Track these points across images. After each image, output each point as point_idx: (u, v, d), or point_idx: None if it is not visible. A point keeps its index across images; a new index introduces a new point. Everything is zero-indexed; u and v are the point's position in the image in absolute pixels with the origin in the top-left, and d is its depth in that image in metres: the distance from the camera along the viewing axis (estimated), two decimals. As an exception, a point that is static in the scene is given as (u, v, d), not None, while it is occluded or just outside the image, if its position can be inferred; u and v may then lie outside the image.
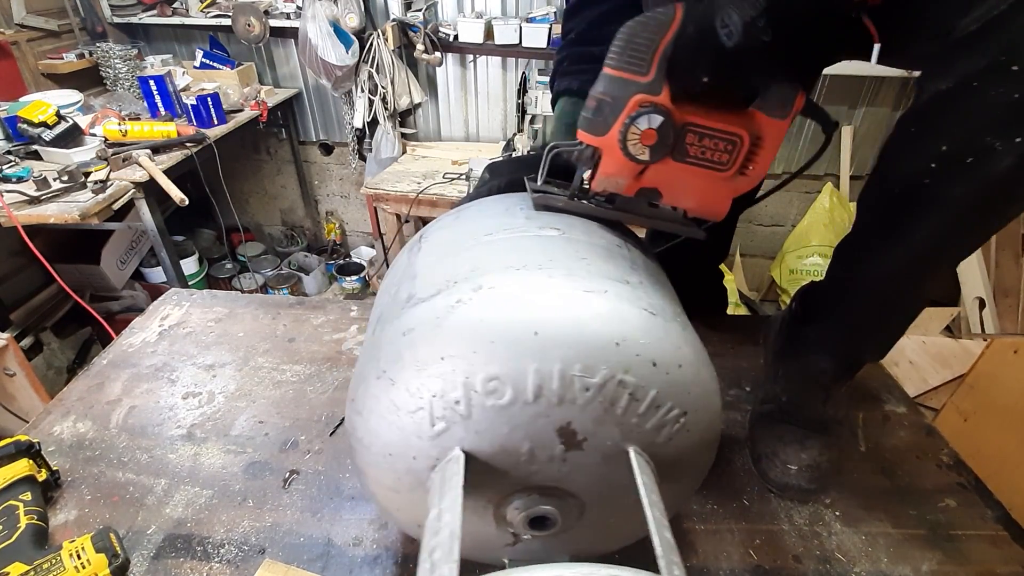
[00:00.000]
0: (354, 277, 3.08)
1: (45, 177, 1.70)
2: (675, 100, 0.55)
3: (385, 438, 0.48)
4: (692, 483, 0.58)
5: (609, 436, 0.46)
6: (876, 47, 0.59)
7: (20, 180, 1.75)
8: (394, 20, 2.51)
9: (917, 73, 0.60)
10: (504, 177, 0.72)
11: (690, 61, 0.53)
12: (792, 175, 0.74)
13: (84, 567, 0.60)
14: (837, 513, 0.74)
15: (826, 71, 2.36)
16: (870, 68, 2.34)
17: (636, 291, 0.50)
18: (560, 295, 0.46)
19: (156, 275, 2.74)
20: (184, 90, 2.43)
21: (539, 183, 0.63)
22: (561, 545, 0.58)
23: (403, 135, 2.84)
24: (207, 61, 2.63)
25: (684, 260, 1.08)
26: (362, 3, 2.48)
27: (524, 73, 2.54)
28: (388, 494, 0.52)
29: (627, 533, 0.60)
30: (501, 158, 0.79)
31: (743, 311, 2.58)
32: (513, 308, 0.45)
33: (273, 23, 2.60)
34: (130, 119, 2.11)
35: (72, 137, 1.95)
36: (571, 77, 0.81)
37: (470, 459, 0.46)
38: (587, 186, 0.62)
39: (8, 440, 0.71)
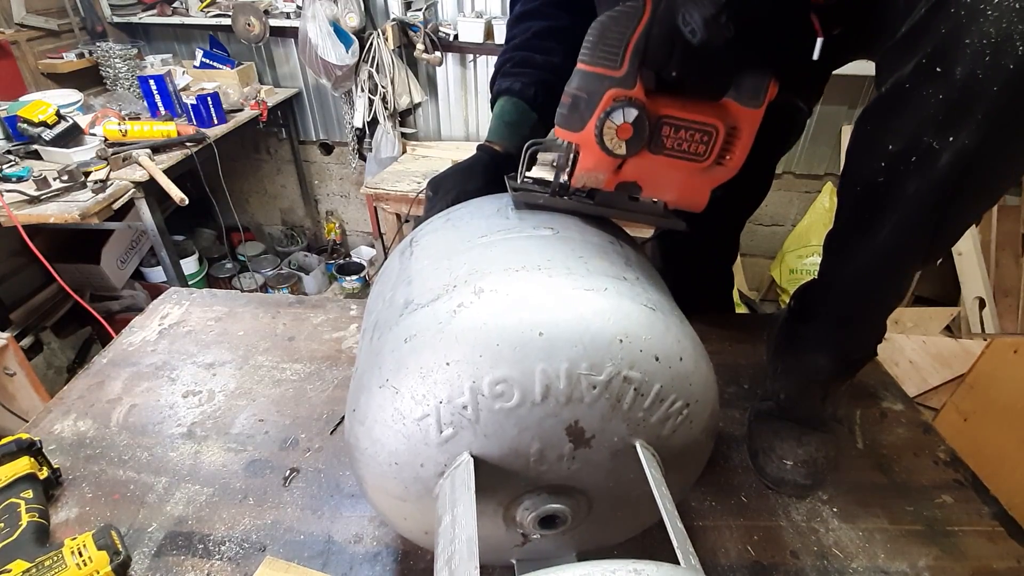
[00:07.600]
0: (354, 277, 3.08)
1: (45, 177, 1.70)
2: (649, 93, 0.55)
3: (391, 447, 0.47)
4: (695, 471, 0.58)
5: (616, 432, 0.47)
6: (819, 41, 0.62)
7: (20, 180, 1.75)
8: (394, 20, 2.51)
9: None
10: (451, 193, 0.73)
11: (659, 56, 0.54)
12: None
13: (86, 564, 0.61)
14: (834, 509, 0.75)
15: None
16: (870, 68, 2.34)
17: (634, 287, 0.50)
18: (562, 295, 0.46)
19: (156, 275, 2.74)
20: (184, 90, 2.44)
21: (519, 181, 0.64)
22: (569, 542, 0.58)
23: (403, 135, 2.84)
24: (207, 61, 2.64)
25: (696, 260, 1.09)
26: (362, 3, 2.48)
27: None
28: (394, 503, 0.52)
29: (632, 526, 0.61)
30: (440, 172, 0.81)
31: (743, 310, 2.58)
32: (516, 310, 0.45)
33: (273, 23, 2.60)
34: (130, 119, 2.11)
35: (72, 137, 1.94)
36: (512, 78, 0.84)
37: (479, 463, 0.45)
38: (565, 182, 0.62)
39: (9, 438, 0.72)
